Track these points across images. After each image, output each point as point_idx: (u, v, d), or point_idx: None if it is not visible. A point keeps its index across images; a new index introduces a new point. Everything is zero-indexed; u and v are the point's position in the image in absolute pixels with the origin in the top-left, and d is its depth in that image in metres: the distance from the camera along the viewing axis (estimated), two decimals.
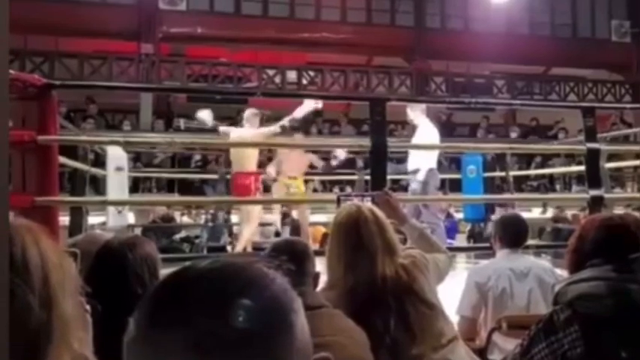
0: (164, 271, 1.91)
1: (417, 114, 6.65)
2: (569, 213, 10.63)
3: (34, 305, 0.83)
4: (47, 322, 0.84)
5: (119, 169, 6.65)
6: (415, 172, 6.62)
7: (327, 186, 12.32)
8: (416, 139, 6.75)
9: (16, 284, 0.82)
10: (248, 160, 6.76)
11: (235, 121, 13.62)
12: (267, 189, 7.72)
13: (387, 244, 2.13)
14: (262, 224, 10.10)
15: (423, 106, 6.90)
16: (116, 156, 6.58)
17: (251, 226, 6.88)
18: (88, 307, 1.10)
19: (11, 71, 3.99)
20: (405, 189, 11.25)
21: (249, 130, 6.86)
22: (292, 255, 1.86)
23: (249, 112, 7.10)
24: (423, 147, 6.68)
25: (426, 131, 6.60)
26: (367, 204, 2.36)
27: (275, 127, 6.73)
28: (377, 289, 2.04)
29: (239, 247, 6.71)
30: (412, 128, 6.99)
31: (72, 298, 0.89)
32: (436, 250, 2.48)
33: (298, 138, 7.80)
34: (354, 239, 2.12)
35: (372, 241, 2.11)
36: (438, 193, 7.22)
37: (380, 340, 1.93)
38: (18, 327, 0.81)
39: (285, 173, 7.28)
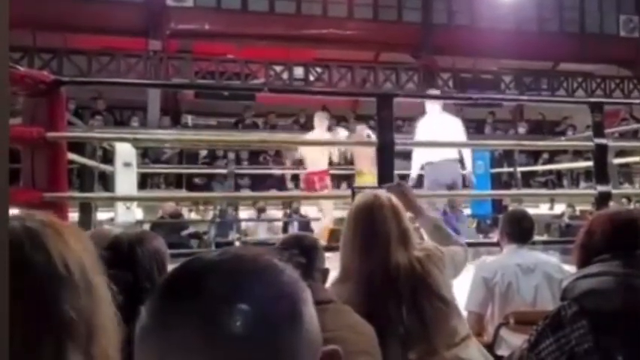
0: (172, 267, 1.91)
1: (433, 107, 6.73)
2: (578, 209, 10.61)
3: (84, 301, 0.83)
4: (92, 310, 0.84)
5: (127, 165, 6.67)
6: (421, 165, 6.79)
7: (335, 182, 12.28)
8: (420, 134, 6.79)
9: (66, 287, 0.81)
10: (315, 160, 7.38)
11: (242, 118, 13.69)
12: None
13: (401, 231, 2.10)
14: (269, 220, 10.12)
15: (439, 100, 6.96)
16: (124, 152, 6.59)
17: (325, 219, 7.50)
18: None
19: (20, 68, 4.00)
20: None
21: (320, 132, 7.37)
22: (301, 250, 1.85)
23: (317, 115, 7.62)
24: (433, 145, 6.68)
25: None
26: (385, 192, 2.33)
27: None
28: (390, 277, 2.01)
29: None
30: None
31: (102, 277, 0.89)
32: (452, 243, 2.43)
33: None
34: (369, 224, 2.10)
35: (386, 227, 2.08)
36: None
37: (393, 329, 1.91)
38: (78, 326, 0.81)
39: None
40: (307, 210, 10.89)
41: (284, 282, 0.62)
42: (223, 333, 0.56)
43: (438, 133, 6.49)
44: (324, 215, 7.61)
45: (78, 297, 0.82)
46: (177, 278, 0.63)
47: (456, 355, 1.99)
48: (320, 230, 7.36)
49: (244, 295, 0.58)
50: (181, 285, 0.61)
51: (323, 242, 6.62)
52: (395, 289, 2.00)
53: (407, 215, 2.21)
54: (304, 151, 7.76)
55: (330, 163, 7.70)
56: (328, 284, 2.05)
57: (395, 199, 2.21)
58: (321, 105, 14.86)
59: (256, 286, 0.59)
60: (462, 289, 2.93)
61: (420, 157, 6.75)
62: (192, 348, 0.56)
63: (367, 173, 7.53)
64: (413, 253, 2.09)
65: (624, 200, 8.30)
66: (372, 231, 2.09)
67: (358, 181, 7.30)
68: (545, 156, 12.89)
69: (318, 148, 7.39)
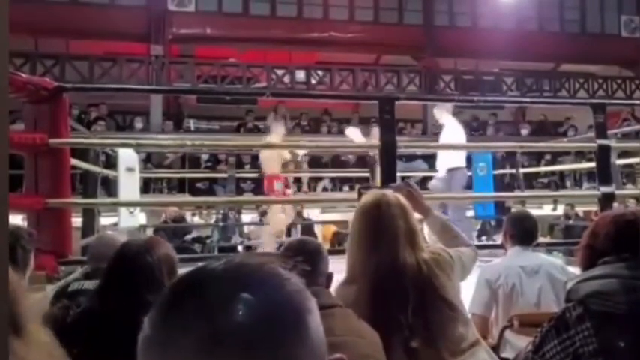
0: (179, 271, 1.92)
1: (442, 113, 6.80)
2: (579, 210, 10.59)
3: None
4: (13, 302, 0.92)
5: (130, 170, 6.68)
6: (439, 170, 6.83)
7: (337, 185, 12.31)
8: (442, 139, 6.87)
9: None
10: (266, 164, 7.20)
11: (244, 121, 13.71)
12: None
13: (409, 230, 2.08)
14: None
15: (449, 105, 6.97)
16: (127, 157, 6.61)
17: (270, 228, 7.32)
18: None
19: (23, 74, 4.01)
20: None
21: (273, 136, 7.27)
22: (305, 254, 1.81)
23: (271, 118, 7.41)
24: (442, 147, 6.71)
25: (452, 130, 6.74)
26: (392, 192, 2.28)
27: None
28: (396, 274, 1.98)
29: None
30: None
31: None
32: (460, 243, 2.41)
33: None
34: (376, 221, 2.07)
35: (394, 224, 2.06)
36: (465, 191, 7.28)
37: (397, 332, 1.89)
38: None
39: None
40: (310, 213, 10.90)
41: (289, 291, 0.61)
42: (227, 342, 0.56)
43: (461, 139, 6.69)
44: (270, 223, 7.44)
45: None
46: (181, 288, 0.62)
47: None
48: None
49: (248, 304, 0.58)
50: (184, 295, 0.60)
51: (326, 245, 6.69)
52: (401, 288, 1.97)
53: (415, 216, 2.18)
54: (261, 156, 7.55)
55: (284, 167, 7.63)
56: (333, 288, 2.03)
57: (403, 199, 2.18)
58: (323, 108, 14.92)
59: (260, 295, 0.59)
60: (466, 291, 2.93)
61: (448, 162, 6.75)
62: (195, 358, 0.56)
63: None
64: (421, 254, 2.06)
65: (632, 201, 8.28)
66: (379, 227, 2.06)
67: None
68: (548, 157, 12.88)
69: (270, 152, 7.18)
